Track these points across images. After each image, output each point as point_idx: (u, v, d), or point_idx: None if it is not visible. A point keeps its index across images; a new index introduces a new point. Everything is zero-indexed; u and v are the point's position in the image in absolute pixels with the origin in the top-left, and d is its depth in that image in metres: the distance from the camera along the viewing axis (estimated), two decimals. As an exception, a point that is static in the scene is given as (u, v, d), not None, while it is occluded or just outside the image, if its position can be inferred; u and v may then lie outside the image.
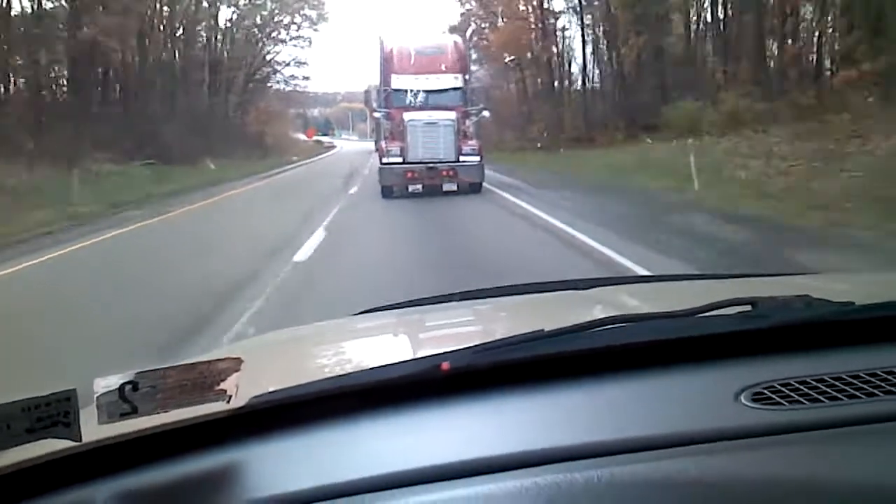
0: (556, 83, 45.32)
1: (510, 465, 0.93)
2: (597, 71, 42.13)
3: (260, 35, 55.19)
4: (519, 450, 0.96)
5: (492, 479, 0.90)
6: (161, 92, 39.88)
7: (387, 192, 18.18)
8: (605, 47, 39.56)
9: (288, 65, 58.04)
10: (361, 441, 1.04)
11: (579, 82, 44.83)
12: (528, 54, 46.03)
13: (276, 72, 58.77)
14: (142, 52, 37.75)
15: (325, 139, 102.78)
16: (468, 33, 43.32)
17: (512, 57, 46.59)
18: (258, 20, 54.02)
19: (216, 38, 50.59)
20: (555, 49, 44.78)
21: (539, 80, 47.09)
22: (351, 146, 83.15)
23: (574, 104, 43.42)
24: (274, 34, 55.85)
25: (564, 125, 40.86)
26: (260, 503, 0.91)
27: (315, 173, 34.30)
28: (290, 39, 56.07)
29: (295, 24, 55.37)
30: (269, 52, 57.30)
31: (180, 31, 44.61)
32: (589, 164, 24.51)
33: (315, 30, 57.00)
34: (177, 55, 43.97)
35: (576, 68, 45.41)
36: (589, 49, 42.64)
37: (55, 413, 0.88)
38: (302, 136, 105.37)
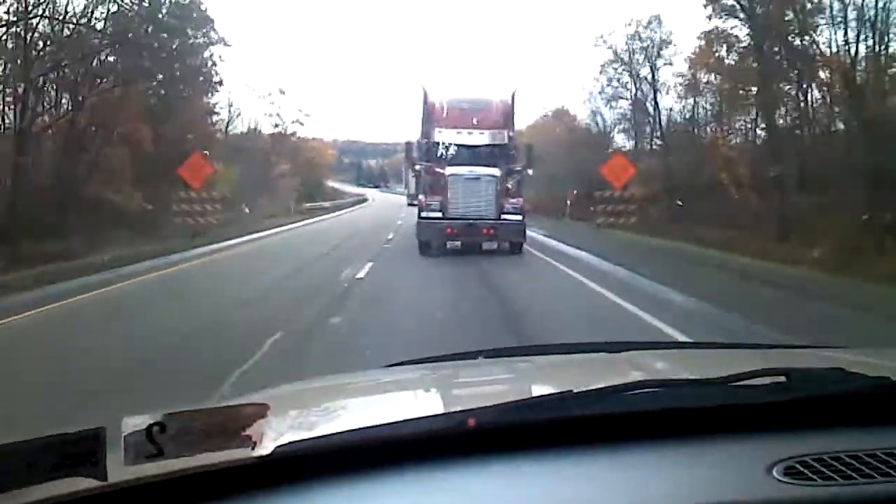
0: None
1: None
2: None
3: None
4: None
5: None
6: None
7: (424, 248, 18.28)
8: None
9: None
10: (384, 495, 1.06)
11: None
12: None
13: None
14: None
15: (360, 190, 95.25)
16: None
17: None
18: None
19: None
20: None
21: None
22: (379, 208, 60.80)
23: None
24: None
25: None
26: None
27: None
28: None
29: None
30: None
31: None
32: None
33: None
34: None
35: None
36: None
37: (83, 451, 0.92)
38: (352, 188, 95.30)
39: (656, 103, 35.78)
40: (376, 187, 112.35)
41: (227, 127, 47.10)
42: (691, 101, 34.51)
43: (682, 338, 7.43)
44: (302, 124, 53.92)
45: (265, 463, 1.04)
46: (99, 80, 26.94)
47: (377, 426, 1.19)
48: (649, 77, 36.09)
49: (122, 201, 27.20)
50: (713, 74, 31.31)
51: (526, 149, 21.40)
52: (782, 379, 1.21)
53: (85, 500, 0.97)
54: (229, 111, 47.02)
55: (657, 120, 36.08)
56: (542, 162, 37.19)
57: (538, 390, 1.69)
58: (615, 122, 39.94)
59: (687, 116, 35.19)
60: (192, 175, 26.17)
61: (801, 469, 1.04)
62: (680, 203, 28.55)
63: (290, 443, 1.10)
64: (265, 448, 1.03)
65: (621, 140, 40.19)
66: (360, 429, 1.19)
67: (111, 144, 27.65)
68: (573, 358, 2.00)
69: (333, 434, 1.17)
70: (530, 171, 22.00)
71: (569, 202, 36.30)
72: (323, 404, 1.64)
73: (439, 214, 18.20)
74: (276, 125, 52.64)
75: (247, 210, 37.40)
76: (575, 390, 1.23)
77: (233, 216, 31.37)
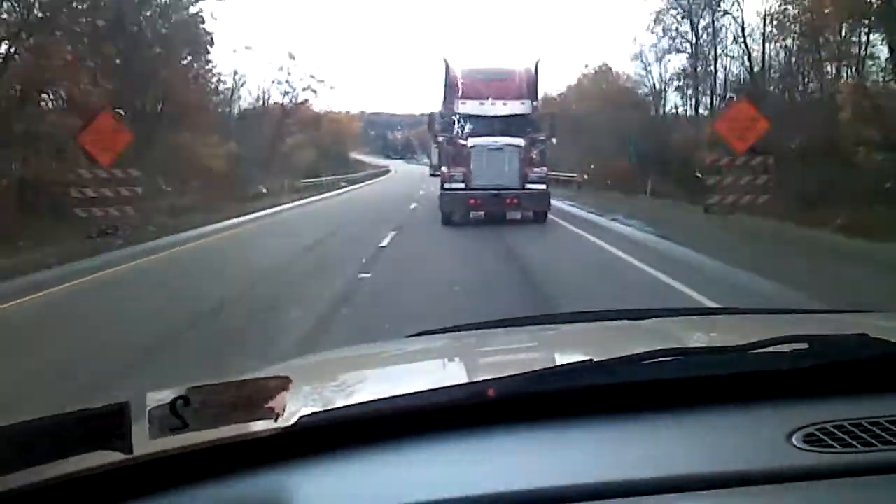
0: None
1: (553, 498, 0.96)
2: None
3: None
4: (562, 483, 0.99)
5: None
6: None
7: (446, 219, 18.35)
8: None
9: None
10: (406, 466, 1.08)
11: None
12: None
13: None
14: None
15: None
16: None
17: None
18: None
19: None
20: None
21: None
22: (397, 182, 55.78)
23: None
24: None
25: None
26: None
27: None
28: None
29: None
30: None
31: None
32: None
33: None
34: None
35: None
36: None
37: (108, 425, 0.94)
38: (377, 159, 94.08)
39: (745, 41, 28.80)
40: (402, 159, 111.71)
41: (231, 95, 43.14)
42: (775, 45, 27.83)
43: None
44: (315, 92, 49.77)
45: (289, 434, 1.06)
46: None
47: (398, 397, 1.21)
48: (717, 20, 30.58)
49: (68, 185, 18.97)
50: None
51: (549, 118, 21.33)
52: (804, 346, 1.21)
53: (110, 473, 0.99)
54: (234, 79, 43.06)
55: (750, 64, 28.67)
56: (592, 129, 33.54)
57: (560, 359, 1.70)
58: (672, 79, 34.30)
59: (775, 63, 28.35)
60: (100, 145, 18.63)
61: (821, 436, 1.04)
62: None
63: (312, 413, 1.11)
64: (288, 419, 1.05)
65: (675, 100, 34.86)
66: (381, 399, 1.21)
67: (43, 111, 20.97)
68: (595, 326, 2.01)
69: (355, 405, 1.19)
70: (554, 140, 21.92)
71: (650, 179, 28.17)
72: (344, 375, 1.66)
73: (462, 185, 18.26)
74: (286, 93, 48.47)
75: (264, 190, 33.92)
76: (595, 359, 1.24)
77: (190, 202, 24.43)
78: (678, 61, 33.95)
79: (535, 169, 18.78)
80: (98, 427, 0.93)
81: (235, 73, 44.01)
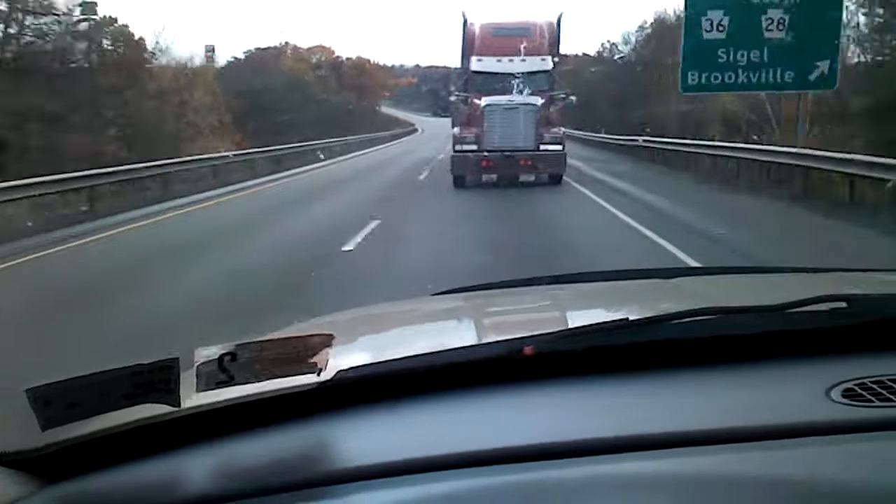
0: None
1: (586, 450, 1.00)
2: None
3: None
4: (598, 436, 1.03)
5: (566, 465, 0.98)
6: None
7: (459, 182, 18.28)
8: None
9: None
10: (442, 418, 1.13)
11: None
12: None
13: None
14: None
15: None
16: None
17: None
18: None
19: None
20: None
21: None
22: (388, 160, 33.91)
23: None
24: None
25: None
26: (342, 473, 1.00)
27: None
28: None
29: None
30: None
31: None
32: None
33: None
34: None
35: None
36: None
37: (157, 380, 1.00)
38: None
39: None
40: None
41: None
42: None
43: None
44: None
45: (328, 388, 1.11)
46: None
47: (435, 352, 1.26)
48: None
49: None
50: None
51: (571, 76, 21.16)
52: (842, 304, 1.25)
53: (159, 425, 1.06)
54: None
55: None
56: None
57: (593, 317, 1.74)
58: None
59: None
60: None
61: (860, 391, 1.08)
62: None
63: (350, 368, 1.17)
64: (329, 374, 1.10)
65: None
66: (418, 355, 1.26)
67: None
68: (625, 284, 2.04)
69: (392, 360, 1.24)
70: (573, 98, 21.77)
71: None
72: (380, 331, 1.72)
73: (474, 147, 18.12)
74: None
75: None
76: (631, 317, 1.28)
77: None
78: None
79: (553, 129, 18.64)
80: (148, 382, 0.99)
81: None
